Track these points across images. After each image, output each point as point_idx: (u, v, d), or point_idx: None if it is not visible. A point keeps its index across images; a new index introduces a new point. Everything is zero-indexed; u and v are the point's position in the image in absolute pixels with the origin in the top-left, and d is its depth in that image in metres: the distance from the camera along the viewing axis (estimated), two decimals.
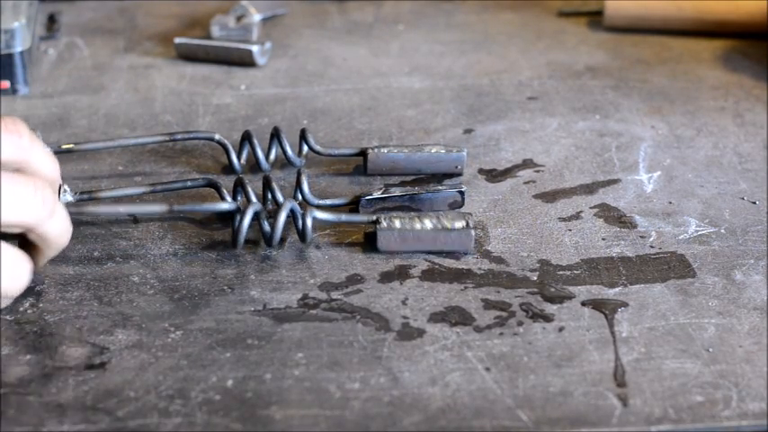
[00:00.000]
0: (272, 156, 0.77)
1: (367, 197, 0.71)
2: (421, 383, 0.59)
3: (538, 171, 0.77)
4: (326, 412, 0.57)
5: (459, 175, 0.76)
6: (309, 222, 0.67)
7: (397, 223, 0.68)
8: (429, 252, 0.68)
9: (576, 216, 0.72)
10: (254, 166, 0.76)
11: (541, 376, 0.59)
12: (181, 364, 0.60)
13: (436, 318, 0.63)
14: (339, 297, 0.65)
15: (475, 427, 0.56)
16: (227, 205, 0.68)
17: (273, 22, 0.99)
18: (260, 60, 0.91)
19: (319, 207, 0.71)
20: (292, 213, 0.68)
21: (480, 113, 0.85)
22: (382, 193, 0.72)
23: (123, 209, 0.69)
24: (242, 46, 0.91)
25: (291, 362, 0.60)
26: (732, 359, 0.60)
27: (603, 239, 0.70)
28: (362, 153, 0.76)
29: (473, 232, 0.67)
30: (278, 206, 0.70)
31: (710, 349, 0.61)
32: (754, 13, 0.96)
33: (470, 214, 0.68)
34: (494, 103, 0.86)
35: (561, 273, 0.67)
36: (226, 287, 0.66)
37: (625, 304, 0.64)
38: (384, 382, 0.59)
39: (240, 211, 0.67)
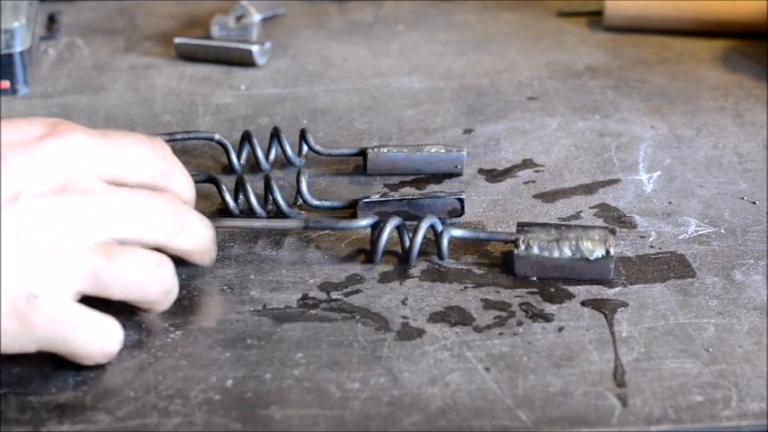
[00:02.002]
0: (272, 156, 0.77)
1: (365, 200, 0.71)
2: (421, 383, 0.59)
3: (538, 171, 0.77)
4: (326, 412, 0.57)
5: (459, 174, 0.76)
6: (445, 241, 0.66)
7: (536, 249, 0.65)
8: (566, 279, 0.66)
9: (576, 216, 0.72)
10: (253, 165, 0.76)
11: (541, 376, 0.59)
12: (181, 364, 0.60)
13: (436, 318, 0.63)
14: (339, 297, 0.65)
15: (475, 427, 0.56)
16: (365, 221, 0.67)
17: (273, 22, 0.99)
18: (260, 60, 0.91)
19: (317, 209, 0.71)
20: (432, 229, 0.67)
21: (480, 113, 0.85)
22: (381, 197, 0.71)
23: (259, 224, 0.69)
24: (242, 46, 0.91)
25: (291, 362, 0.60)
26: (732, 359, 0.60)
27: None
28: (362, 153, 0.76)
29: (612, 264, 0.65)
30: (278, 208, 0.70)
31: (710, 349, 0.61)
32: (754, 13, 0.95)
33: (613, 234, 0.65)
34: (494, 103, 0.86)
35: None
36: (226, 287, 0.65)
37: (625, 304, 0.64)
38: (384, 382, 0.59)
39: (380, 225, 0.67)
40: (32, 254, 0.55)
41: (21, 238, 0.54)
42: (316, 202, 0.72)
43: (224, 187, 0.71)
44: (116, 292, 0.58)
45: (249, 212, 0.71)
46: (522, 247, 0.66)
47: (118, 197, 0.58)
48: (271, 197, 0.71)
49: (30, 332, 0.55)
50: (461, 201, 0.71)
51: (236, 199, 0.71)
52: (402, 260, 0.67)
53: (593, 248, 0.65)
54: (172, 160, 0.62)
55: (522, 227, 0.67)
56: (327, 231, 0.70)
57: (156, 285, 0.59)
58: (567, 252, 0.65)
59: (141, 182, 0.61)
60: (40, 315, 0.55)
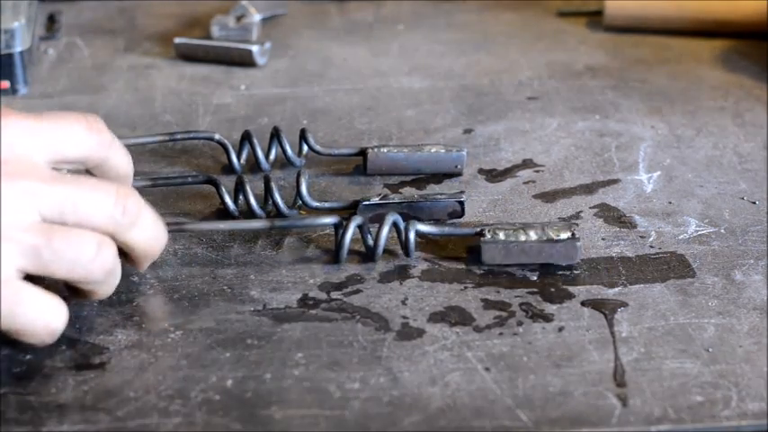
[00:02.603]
0: (272, 156, 0.77)
1: (365, 202, 0.71)
2: (421, 383, 0.59)
3: (538, 171, 0.77)
4: (326, 412, 0.57)
5: (459, 174, 0.76)
6: (412, 236, 0.67)
7: (502, 235, 0.66)
8: (534, 264, 0.67)
9: (576, 216, 0.72)
10: (253, 166, 0.76)
11: (541, 376, 0.59)
12: (181, 364, 0.60)
13: (436, 318, 0.63)
14: (339, 297, 0.65)
15: (475, 427, 0.56)
16: (329, 219, 0.67)
17: (273, 22, 0.99)
18: (260, 60, 0.91)
19: (318, 210, 0.71)
20: (395, 226, 0.67)
21: (480, 113, 0.85)
22: (381, 199, 0.71)
23: (224, 226, 0.69)
24: (242, 46, 0.91)
25: (291, 362, 0.60)
26: (732, 359, 0.60)
27: (603, 239, 0.70)
28: (362, 153, 0.76)
29: (579, 243, 0.66)
30: (278, 209, 0.70)
31: (710, 349, 0.61)
32: (754, 13, 0.96)
33: (576, 224, 0.68)
34: (494, 103, 0.86)
35: (561, 273, 0.67)
36: (226, 287, 0.66)
37: (625, 304, 0.64)
38: (384, 382, 0.59)
39: (342, 225, 0.66)
40: None
41: None
42: (315, 204, 0.72)
43: (223, 189, 0.71)
44: (58, 271, 0.58)
45: (249, 213, 0.70)
46: (489, 236, 0.66)
47: (61, 180, 0.59)
48: (270, 198, 0.71)
49: None
50: (461, 203, 0.71)
51: (235, 200, 0.71)
52: (366, 258, 0.67)
53: (559, 232, 0.66)
54: (108, 134, 0.63)
55: (487, 221, 0.69)
56: (327, 231, 0.70)
57: (97, 265, 0.59)
58: (534, 236, 0.66)
59: (81, 157, 0.61)
60: None
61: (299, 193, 0.71)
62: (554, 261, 0.66)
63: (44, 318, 0.58)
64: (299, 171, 0.72)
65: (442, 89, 0.88)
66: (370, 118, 0.84)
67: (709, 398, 0.58)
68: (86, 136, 0.61)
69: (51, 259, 0.57)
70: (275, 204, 0.70)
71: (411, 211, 0.71)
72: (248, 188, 0.70)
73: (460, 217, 0.71)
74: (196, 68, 0.91)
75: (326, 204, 0.72)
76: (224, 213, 0.71)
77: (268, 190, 0.70)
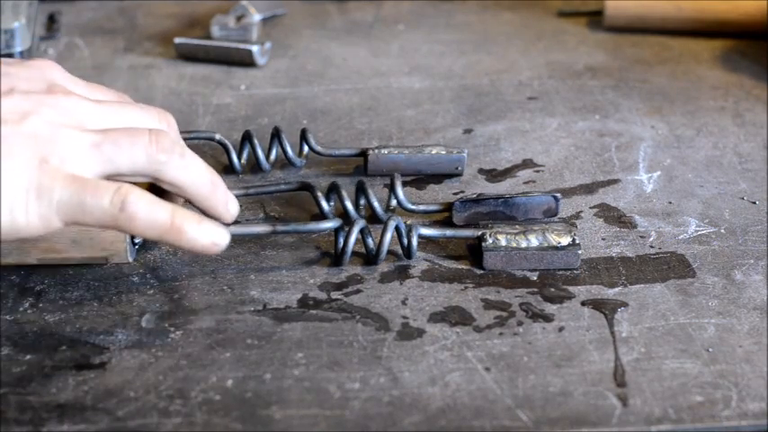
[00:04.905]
0: (273, 156, 0.77)
1: (460, 201, 0.70)
2: (421, 383, 0.59)
3: (538, 171, 0.77)
4: (326, 412, 0.57)
5: (460, 175, 0.76)
6: (415, 240, 0.67)
7: (503, 241, 0.66)
8: (534, 269, 0.67)
9: (576, 216, 0.72)
10: (254, 166, 0.76)
11: (541, 376, 0.59)
12: (181, 364, 0.60)
13: (436, 318, 0.63)
14: (339, 297, 0.65)
15: (475, 427, 0.56)
16: (331, 223, 0.67)
17: (273, 22, 0.99)
18: (260, 60, 0.91)
19: (414, 212, 0.71)
20: (397, 230, 0.67)
21: (480, 113, 0.85)
22: (477, 197, 0.70)
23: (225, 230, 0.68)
24: (242, 46, 0.91)
25: (291, 362, 0.60)
26: (732, 359, 0.60)
27: (603, 239, 0.70)
28: (363, 154, 0.76)
29: (579, 251, 0.66)
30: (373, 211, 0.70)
31: (710, 349, 0.61)
32: (754, 13, 0.96)
33: (575, 225, 0.67)
34: (494, 103, 0.86)
35: (561, 273, 0.67)
36: (226, 287, 0.66)
37: (625, 304, 0.64)
38: (384, 382, 0.59)
39: (344, 229, 0.66)
40: (32, 132, 0.57)
41: (23, 119, 0.58)
42: (411, 207, 0.71)
43: (319, 194, 0.70)
44: (124, 164, 0.59)
45: (344, 215, 0.70)
46: (490, 241, 0.66)
47: (105, 102, 0.62)
48: (365, 202, 0.70)
49: (49, 198, 0.56)
50: (557, 199, 0.70)
51: (327, 201, 0.70)
52: (368, 261, 0.67)
53: (560, 238, 0.66)
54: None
55: (486, 223, 0.68)
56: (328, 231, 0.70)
57: (154, 147, 0.59)
58: (535, 242, 0.66)
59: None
60: (54, 176, 0.56)
61: (395, 196, 0.70)
62: (554, 267, 0.66)
63: (110, 194, 0.58)
64: (394, 174, 0.71)
65: (442, 89, 0.88)
66: (370, 118, 0.84)
67: (709, 398, 0.58)
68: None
69: (112, 151, 0.58)
70: (371, 208, 0.70)
71: (506, 209, 0.70)
72: (344, 193, 0.70)
73: (555, 215, 0.70)
74: (196, 68, 0.91)
75: (421, 207, 0.71)
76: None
77: (364, 194, 0.70)
